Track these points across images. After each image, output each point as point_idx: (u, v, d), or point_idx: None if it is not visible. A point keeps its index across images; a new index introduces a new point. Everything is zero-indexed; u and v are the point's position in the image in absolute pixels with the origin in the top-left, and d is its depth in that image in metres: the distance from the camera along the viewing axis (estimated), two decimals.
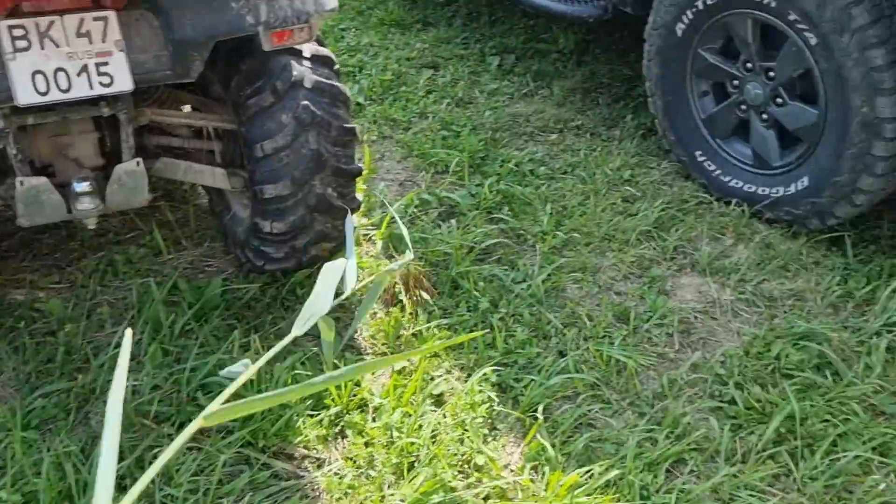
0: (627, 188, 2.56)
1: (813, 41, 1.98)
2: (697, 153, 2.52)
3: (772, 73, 2.19)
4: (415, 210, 2.49)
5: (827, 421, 1.77)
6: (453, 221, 2.44)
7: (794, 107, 2.16)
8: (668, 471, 1.71)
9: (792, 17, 2.01)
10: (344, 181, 2.03)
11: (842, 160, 2.05)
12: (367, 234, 2.42)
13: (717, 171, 2.47)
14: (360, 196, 2.17)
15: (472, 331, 2.06)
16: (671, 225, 2.39)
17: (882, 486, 1.61)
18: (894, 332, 1.97)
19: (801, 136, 2.19)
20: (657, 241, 2.33)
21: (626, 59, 3.33)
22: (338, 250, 2.26)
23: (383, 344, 2.07)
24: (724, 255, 2.27)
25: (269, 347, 1.19)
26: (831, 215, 2.18)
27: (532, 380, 1.92)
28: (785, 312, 2.07)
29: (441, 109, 3.04)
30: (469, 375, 1.94)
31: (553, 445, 1.76)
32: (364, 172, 2.63)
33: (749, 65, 2.25)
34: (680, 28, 2.35)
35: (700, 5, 2.25)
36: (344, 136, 1.99)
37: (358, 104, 3.11)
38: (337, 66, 2.05)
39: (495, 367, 1.94)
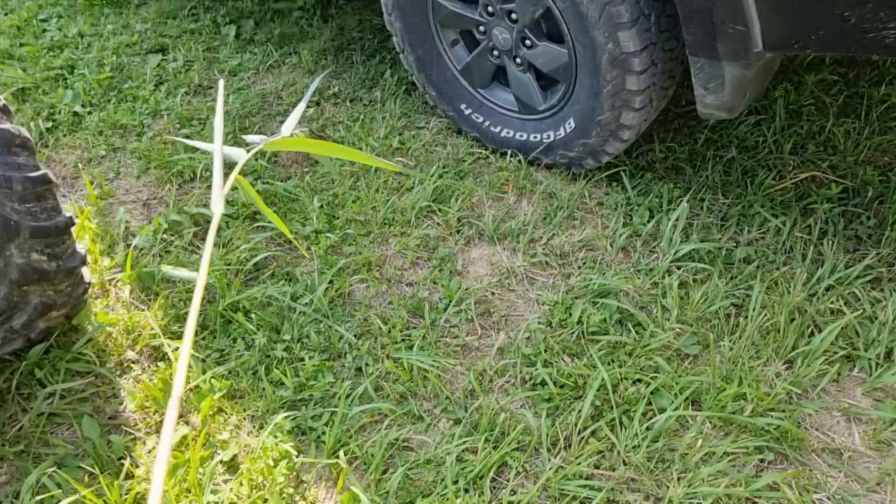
0: (399, 159, 2.35)
1: None
2: (462, 106, 2.35)
3: (514, 16, 2.02)
4: (165, 236, 2.14)
5: (639, 381, 1.71)
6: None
7: (544, 47, 2.02)
8: (493, 480, 1.59)
9: None
10: (51, 241, 1.65)
11: (600, 99, 1.95)
12: (112, 279, 2.05)
13: (487, 123, 2.31)
14: (81, 247, 1.80)
15: (254, 372, 1.80)
16: (451, 193, 2.22)
17: (700, 442, 1.58)
18: (682, 267, 1.95)
19: (557, 77, 2.07)
20: (439, 214, 2.16)
21: (375, 7, 3.07)
22: (78, 310, 1.89)
23: (155, 412, 1.76)
24: (510, 216, 2.15)
25: None
26: (604, 153, 2.10)
27: (332, 413, 1.71)
28: (579, 268, 1.99)
29: (177, 103, 2.64)
30: (261, 427, 1.69)
31: (367, 488, 1.57)
32: (96, 200, 2.23)
33: (490, 9, 2.07)
34: None
35: None
36: (33, 188, 1.60)
37: (75, 114, 2.62)
38: (2, 103, 1.63)
39: (289, 411, 1.71)
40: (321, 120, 2.55)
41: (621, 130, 2.01)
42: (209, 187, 2.30)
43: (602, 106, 1.97)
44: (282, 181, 2.30)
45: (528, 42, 2.06)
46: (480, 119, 2.32)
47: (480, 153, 2.35)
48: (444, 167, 2.31)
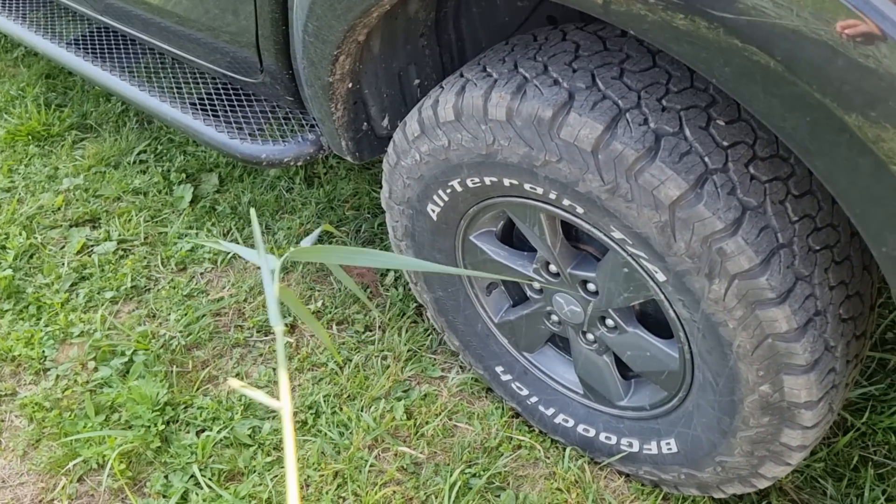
0: (405, 449, 1.61)
1: (660, 277, 1.12)
2: (498, 369, 1.63)
3: (591, 287, 1.31)
4: None
5: None
6: None
7: (636, 337, 1.31)
8: None
9: (617, 235, 1.12)
10: None
11: (731, 439, 1.23)
12: None
13: (534, 399, 1.59)
14: None
15: None
16: None
17: None
18: None
19: (654, 381, 1.35)
20: None
21: (377, 171, 2.36)
22: None
23: None
24: None
25: None
26: (719, 490, 1.38)
27: None
28: None
29: (96, 321, 1.91)
30: None
31: None
32: None
33: (553, 268, 1.36)
34: (433, 210, 1.41)
35: (457, 187, 1.31)
36: None
37: None
38: None
39: None
40: (297, 359, 1.82)
41: (756, 479, 1.28)
42: (120, 490, 1.56)
43: (731, 448, 1.25)
44: (232, 480, 1.56)
45: (609, 322, 1.34)
46: (525, 392, 1.60)
47: (523, 440, 1.62)
48: (469, 464, 1.58)
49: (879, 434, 1.59)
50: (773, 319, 1.03)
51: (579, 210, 1.15)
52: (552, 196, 1.17)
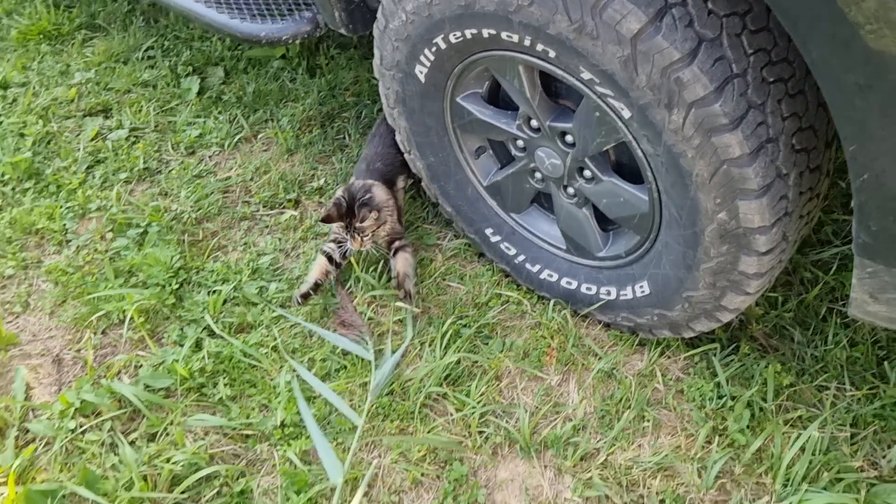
0: (401, 304, 1.73)
1: (626, 113, 1.20)
2: (488, 231, 1.73)
3: (569, 138, 1.40)
4: (76, 422, 1.55)
5: None
6: (135, 435, 1.52)
7: (611, 185, 1.40)
8: None
9: (586, 76, 1.20)
10: None
11: (695, 273, 1.34)
12: None
13: (521, 258, 1.70)
14: None
15: None
16: (470, 369, 1.61)
17: None
18: None
19: (627, 226, 1.45)
20: (453, 403, 1.55)
21: None
22: None
23: None
24: (554, 410, 1.54)
25: None
26: (689, 329, 1.49)
27: None
28: None
29: (112, 198, 2.02)
30: None
31: None
32: None
33: (534, 123, 1.44)
34: (421, 71, 1.48)
35: (441, 44, 1.39)
36: None
37: None
38: None
39: None
40: (301, 230, 1.94)
41: (720, 312, 1.39)
42: (140, 341, 1.70)
43: (696, 282, 1.35)
44: (242, 332, 1.70)
45: (587, 173, 1.43)
46: (512, 252, 1.71)
47: (511, 296, 1.74)
48: (460, 317, 1.70)
49: (847, 288, 1.69)
50: (726, 145, 1.12)
51: (552, 54, 1.22)
52: (527, 42, 1.24)
